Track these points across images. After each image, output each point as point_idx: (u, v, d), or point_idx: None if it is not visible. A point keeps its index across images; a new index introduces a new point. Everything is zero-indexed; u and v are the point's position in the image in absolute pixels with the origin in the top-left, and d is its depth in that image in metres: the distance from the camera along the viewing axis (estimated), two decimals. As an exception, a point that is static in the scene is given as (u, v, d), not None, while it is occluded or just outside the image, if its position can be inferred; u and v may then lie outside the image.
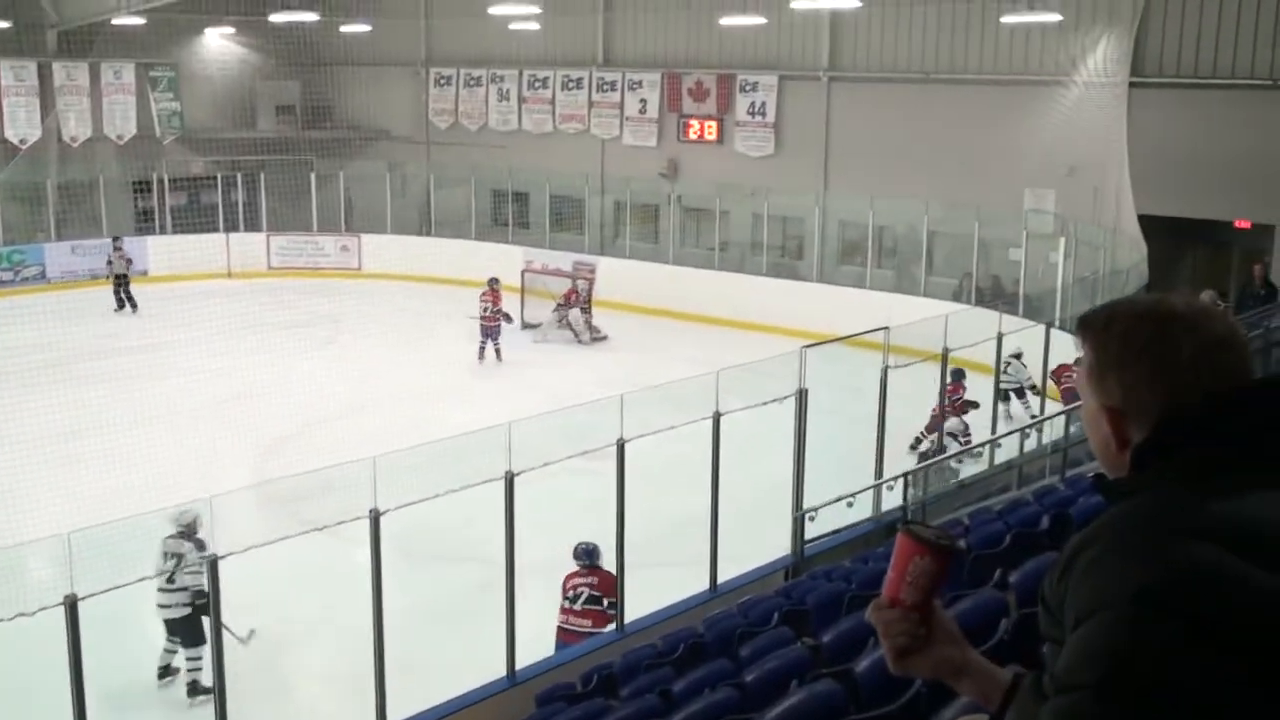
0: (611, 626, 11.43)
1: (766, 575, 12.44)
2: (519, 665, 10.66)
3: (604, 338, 25.86)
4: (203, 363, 20.92)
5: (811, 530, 12.83)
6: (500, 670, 10.62)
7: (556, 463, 10.78)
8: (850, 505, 13.52)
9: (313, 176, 32.82)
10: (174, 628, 11.66)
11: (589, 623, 11.60)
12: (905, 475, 13.74)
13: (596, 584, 11.68)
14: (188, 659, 11.70)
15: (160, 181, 31.94)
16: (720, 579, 12.19)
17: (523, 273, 27.55)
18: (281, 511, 11.38)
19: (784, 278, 27.78)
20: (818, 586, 9.89)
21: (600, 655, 10.60)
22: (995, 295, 24.20)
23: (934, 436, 16.83)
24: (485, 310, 23.83)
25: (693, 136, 30.10)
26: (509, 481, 10.34)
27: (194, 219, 31.42)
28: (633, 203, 30.67)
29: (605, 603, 11.55)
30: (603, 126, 31.66)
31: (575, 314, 25.92)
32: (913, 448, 17.49)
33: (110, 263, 28.36)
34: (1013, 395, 19.14)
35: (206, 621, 10.20)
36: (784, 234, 29.27)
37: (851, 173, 27.16)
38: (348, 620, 11.53)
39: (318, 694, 12.18)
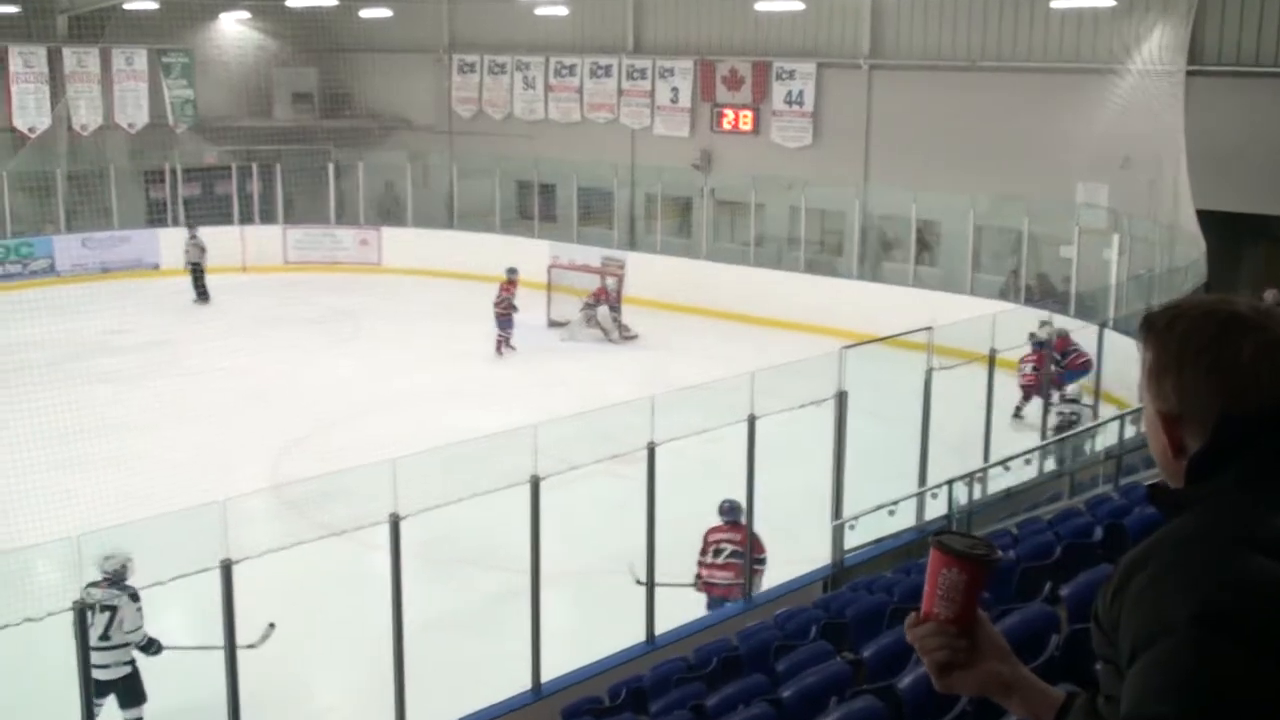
0: (743, 582, 12.31)
1: (804, 586, 12.42)
2: (544, 678, 10.68)
3: (634, 337, 25.86)
4: (216, 361, 21.04)
5: (851, 539, 12.80)
6: (525, 683, 10.64)
7: (584, 467, 10.80)
8: (892, 513, 13.48)
9: (331, 167, 32.97)
10: (109, 689, 10.42)
11: (731, 574, 12.38)
12: (949, 482, 13.69)
13: (740, 540, 12.41)
14: None
15: (173, 171, 32.14)
16: (755, 590, 12.16)
17: (549, 268, 27.58)
18: (298, 516, 11.44)
19: (822, 274, 27.70)
20: (858, 598, 9.88)
21: (630, 668, 10.61)
22: (1045, 294, 24.08)
23: (1062, 404, 17.38)
24: (502, 300, 24.15)
25: (727, 126, 30.06)
26: (534, 486, 10.36)
27: (208, 210, 31.60)
28: (664, 195, 30.65)
29: (755, 559, 12.36)
30: (633, 116, 31.66)
31: (604, 312, 25.93)
32: (1016, 416, 18.34)
33: (186, 251, 28.69)
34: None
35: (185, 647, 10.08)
36: (822, 229, 29.19)
37: (893, 164, 27.06)
38: (366, 629, 11.57)
39: (334, 705, 12.24)
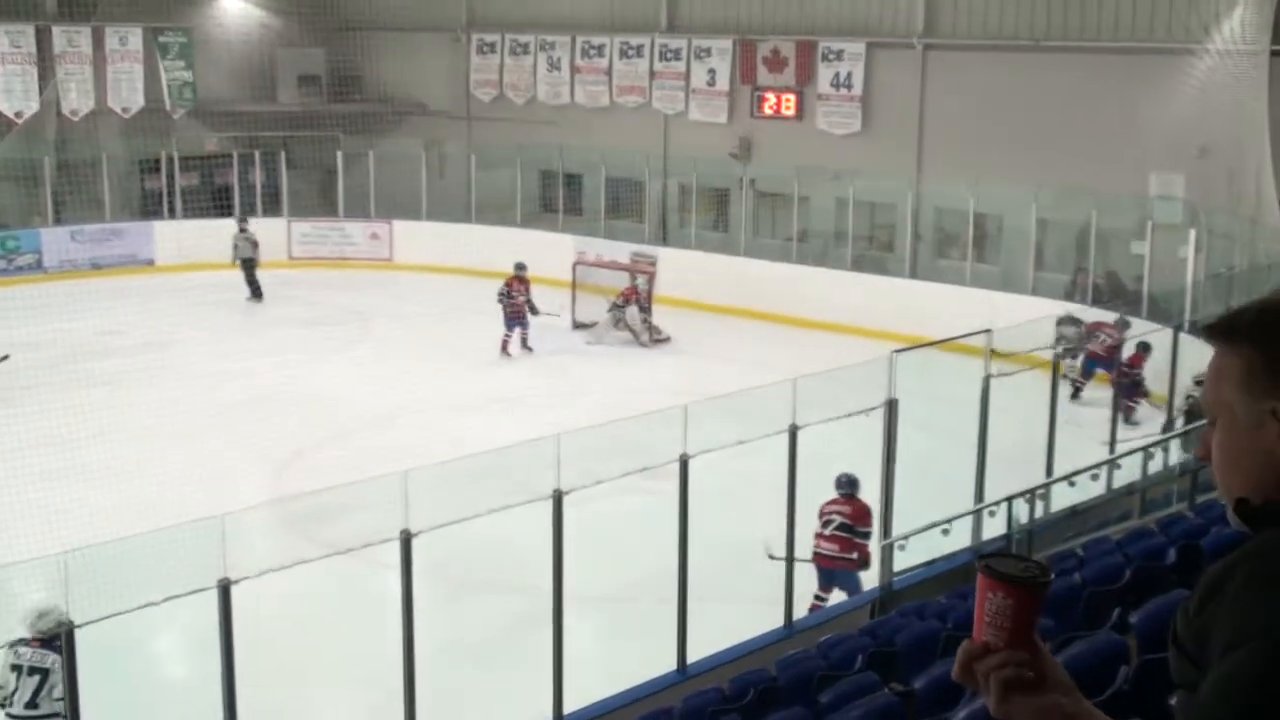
0: (854, 555, 13.18)
1: (849, 611, 12.40)
2: (567, 709, 10.67)
3: (666, 339, 25.86)
4: (215, 364, 21.16)
5: (901, 560, 12.77)
6: (546, 715, 10.64)
7: (611, 480, 10.79)
8: (946, 532, 13.43)
9: (339, 155, 33.11)
10: None
11: (836, 547, 13.18)
12: (1008, 499, 13.63)
13: (850, 513, 13.25)
14: None
15: (170, 160, 32.33)
16: (796, 615, 12.16)
17: (574, 265, 27.62)
18: (301, 532, 11.48)
19: (871, 272, 27.65)
20: (908, 625, 9.84)
21: (659, 699, 10.60)
22: (1114, 294, 23.96)
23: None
24: (514, 297, 24.56)
25: (768, 112, 30.04)
26: (557, 501, 10.36)
27: (207, 202, 31.79)
28: (699, 186, 30.64)
29: (858, 531, 13.18)
30: (666, 100, 31.67)
31: (633, 312, 25.94)
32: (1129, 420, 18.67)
33: (236, 246, 28.95)
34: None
35: None
36: (871, 223, 29.12)
37: (949, 153, 26.99)
38: (375, 655, 11.60)
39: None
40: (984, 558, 2.09)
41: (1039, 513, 14.01)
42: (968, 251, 26.76)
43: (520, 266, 24.95)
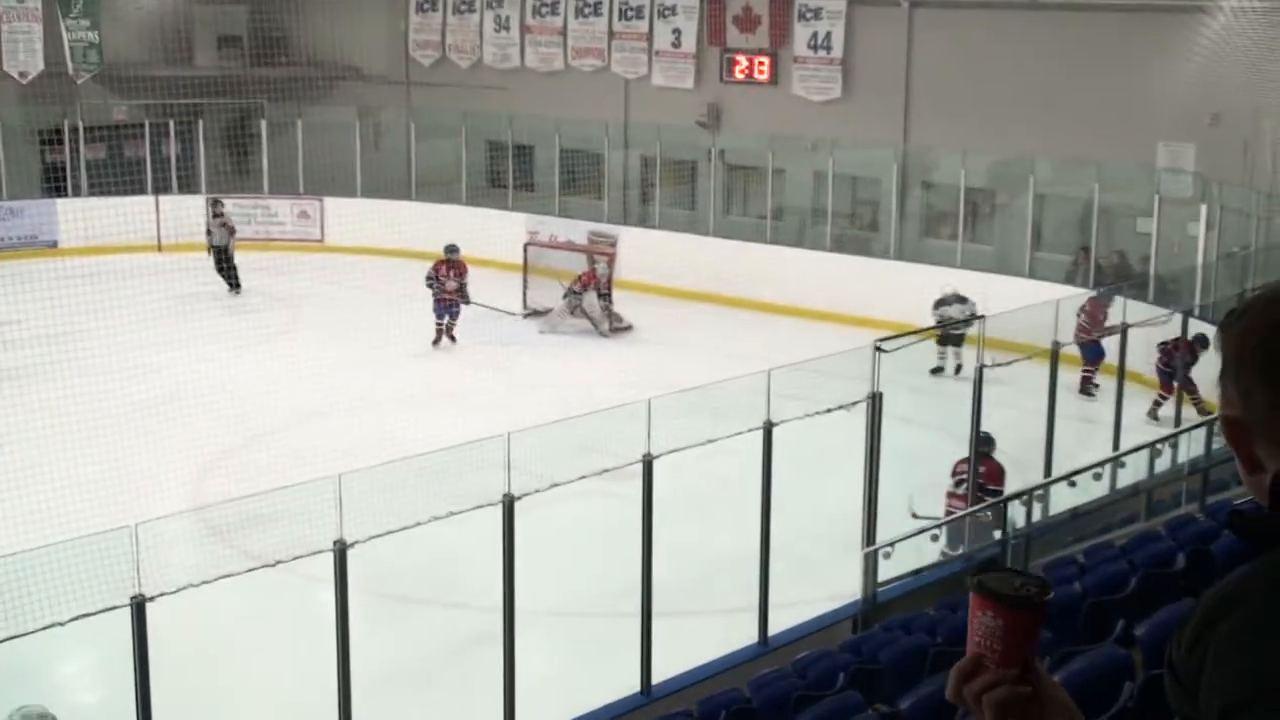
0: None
1: (829, 626, 12.45)
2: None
3: (627, 328, 25.87)
4: (126, 358, 21.02)
5: (886, 570, 12.83)
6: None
7: (567, 484, 10.81)
8: (935, 539, 13.52)
9: (263, 124, 32.94)
10: None
11: (963, 505, 14.09)
12: (1004, 501, 13.73)
13: (982, 472, 14.20)
14: None
15: (74, 130, 32.10)
16: (772, 630, 12.21)
17: (526, 246, 27.59)
18: (224, 543, 11.45)
19: (853, 254, 27.72)
20: (894, 640, 9.90)
21: (621, 724, 10.64)
22: (1119, 276, 24.10)
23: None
24: (442, 282, 24.89)
25: (739, 76, 30.08)
26: (508, 507, 10.38)
27: (116, 177, 31.54)
28: (663, 159, 30.66)
29: (988, 490, 14.16)
30: (626, 63, 31.67)
31: (591, 299, 25.95)
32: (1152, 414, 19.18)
33: (209, 232, 28.74)
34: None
35: None
36: (853, 199, 29.20)
37: (938, 122, 27.08)
38: (306, 678, 11.59)
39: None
40: (978, 572, 2.10)
41: (1037, 516, 14.10)
42: (959, 230, 26.85)
43: (451, 249, 25.10)
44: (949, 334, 20.85)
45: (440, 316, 24.81)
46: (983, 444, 14.54)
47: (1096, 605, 8.48)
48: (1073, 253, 25.85)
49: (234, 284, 28.60)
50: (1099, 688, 5.98)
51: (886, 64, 27.91)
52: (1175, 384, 18.64)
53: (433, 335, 24.70)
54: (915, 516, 13.74)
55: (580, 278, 26.02)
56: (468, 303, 25.12)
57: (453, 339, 24.89)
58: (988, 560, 13.26)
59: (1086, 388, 20.54)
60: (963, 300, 21.59)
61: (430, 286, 24.87)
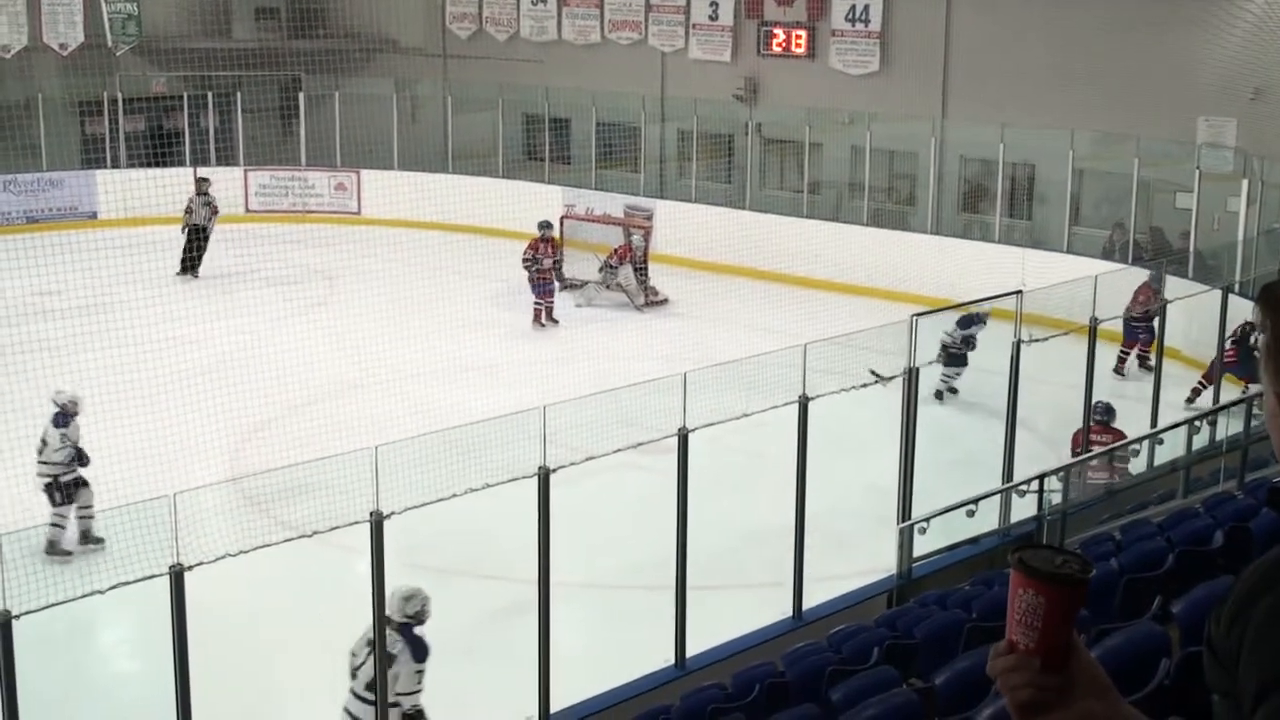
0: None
1: (864, 600, 12.45)
2: (554, 707, 10.73)
3: (663, 301, 25.86)
4: (164, 329, 21.13)
5: (921, 545, 12.82)
6: (531, 713, 10.70)
7: (602, 457, 10.82)
8: (971, 514, 13.48)
9: (301, 97, 32.99)
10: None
11: (1105, 475, 14.70)
12: (1040, 477, 13.68)
13: (1108, 441, 14.77)
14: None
15: (113, 102, 32.21)
16: (806, 604, 12.21)
17: (562, 219, 27.58)
18: (262, 514, 11.52)
19: (890, 228, 27.65)
20: (929, 615, 9.89)
21: (655, 697, 10.66)
22: (1158, 251, 23.98)
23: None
24: (540, 261, 24.47)
25: (776, 49, 29.97)
26: (543, 480, 10.39)
27: (154, 149, 31.66)
28: (700, 133, 30.58)
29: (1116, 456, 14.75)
30: (664, 37, 31.59)
31: (627, 272, 25.94)
32: (1189, 401, 18.86)
33: (189, 210, 28.29)
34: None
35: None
36: (890, 173, 29.10)
37: (977, 96, 26.94)
38: (342, 648, 11.64)
39: (304, 740, 12.34)
40: (1018, 549, 2.09)
41: (1074, 493, 14.06)
42: (997, 205, 26.75)
43: (545, 225, 24.85)
44: (959, 354, 19.49)
45: (540, 295, 24.54)
46: (1104, 414, 15.35)
47: (1133, 582, 8.45)
48: (1110, 228, 25.72)
49: (193, 267, 27.72)
50: (1135, 665, 5.96)
51: (925, 37, 27.77)
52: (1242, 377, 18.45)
53: (533, 314, 24.44)
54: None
55: (616, 251, 25.99)
56: (562, 281, 24.97)
57: (554, 320, 24.57)
58: (1025, 536, 13.24)
59: (1120, 368, 20.54)
60: (983, 323, 19.79)
61: (528, 266, 24.59)
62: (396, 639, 10.56)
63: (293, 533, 9.94)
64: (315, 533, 9.83)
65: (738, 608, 12.79)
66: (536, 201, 28.37)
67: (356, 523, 9.69)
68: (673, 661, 11.42)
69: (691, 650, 11.45)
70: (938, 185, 27.55)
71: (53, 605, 8.64)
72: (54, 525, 14.33)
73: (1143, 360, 20.61)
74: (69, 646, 12.23)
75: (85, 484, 14.93)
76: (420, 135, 33.49)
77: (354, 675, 10.61)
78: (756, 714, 8.52)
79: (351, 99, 33.21)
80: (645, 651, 11.65)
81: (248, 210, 31.96)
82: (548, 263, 24.65)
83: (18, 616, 8.47)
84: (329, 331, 22.79)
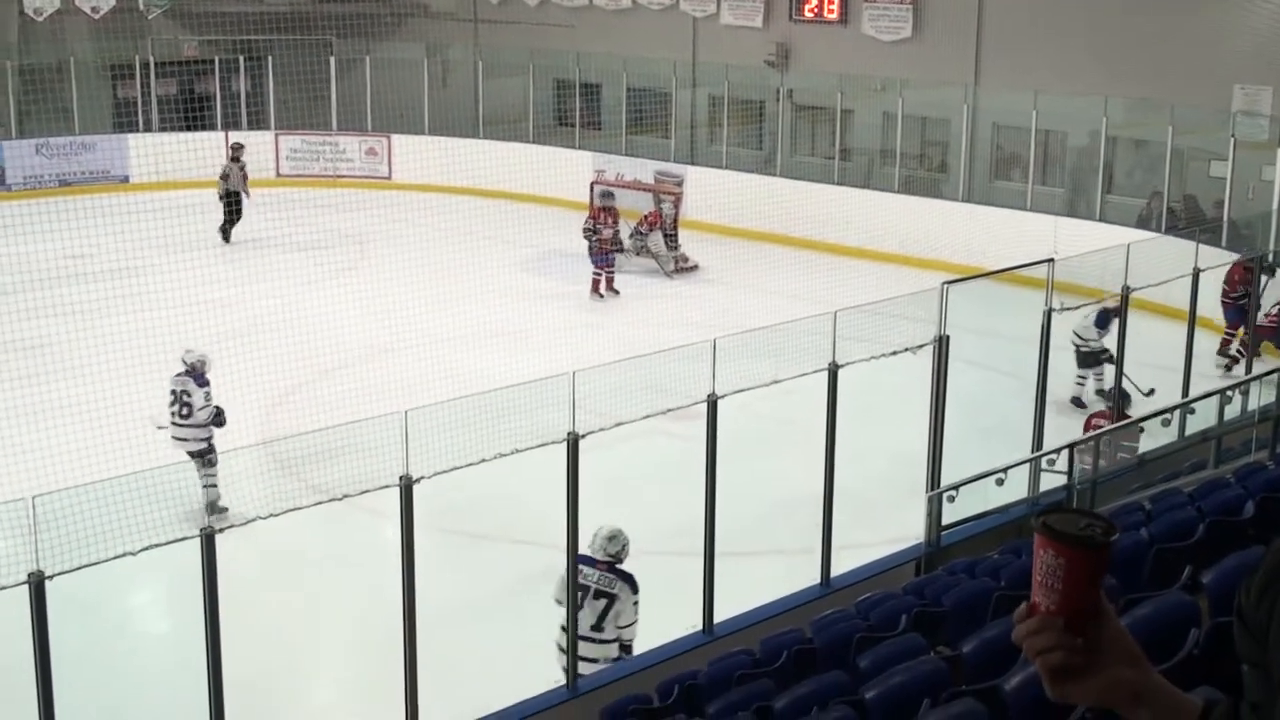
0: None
1: (892, 568, 12.45)
2: (582, 672, 10.77)
3: (693, 268, 25.85)
4: (195, 293, 21.21)
5: (950, 513, 12.80)
6: (559, 677, 10.74)
7: (632, 423, 10.83)
8: (1000, 483, 13.45)
9: (332, 61, 33.00)
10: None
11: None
12: (1070, 446, 13.64)
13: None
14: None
15: (145, 66, 32.28)
16: (834, 571, 12.21)
17: (592, 185, 27.57)
18: (292, 477, 11.56)
19: (921, 195, 27.57)
20: (957, 584, 9.89)
21: (683, 662, 10.69)
22: (1192, 220, 23.85)
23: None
24: (599, 231, 24.34)
25: (809, 15, 29.86)
26: (572, 445, 10.41)
27: (186, 113, 31.75)
28: (731, 98, 30.51)
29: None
30: (695, 2, 31.49)
31: (657, 239, 25.92)
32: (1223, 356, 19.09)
33: (225, 176, 28.39)
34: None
35: None
36: (923, 140, 28.99)
37: (1010, 63, 26.81)
38: (372, 612, 11.72)
39: (335, 702, 12.41)
40: (1044, 512, 2.09)
41: (1103, 461, 14.01)
42: (1029, 172, 26.63)
43: (606, 195, 24.77)
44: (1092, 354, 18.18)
45: (599, 265, 24.40)
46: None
47: (1163, 552, 8.42)
48: (1144, 197, 25.60)
49: (226, 233, 27.89)
50: (1165, 634, 5.95)
51: (958, 3, 27.65)
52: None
53: (591, 284, 24.31)
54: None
55: (646, 218, 25.96)
56: (621, 251, 24.86)
57: (614, 290, 24.42)
58: (1055, 505, 13.22)
59: (1225, 350, 20.23)
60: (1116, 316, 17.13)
61: (588, 236, 24.48)
62: (613, 579, 11.14)
63: (323, 496, 9.98)
64: (345, 496, 9.87)
65: (766, 574, 12.80)
66: (567, 167, 28.41)
67: (386, 486, 9.72)
68: (701, 627, 11.45)
69: (720, 616, 11.47)
70: (970, 152, 27.45)
71: (85, 566, 8.69)
72: (211, 487, 13.94)
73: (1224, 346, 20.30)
74: (100, 608, 12.32)
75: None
76: (451, 100, 33.50)
77: (581, 621, 10.93)
78: (784, 680, 8.54)
79: (382, 64, 33.25)
80: (674, 617, 11.68)
81: (279, 175, 32.06)
82: (607, 232, 24.47)
83: (50, 577, 8.53)
84: (359, 296, 22.86)
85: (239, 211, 28.11)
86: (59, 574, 8.57)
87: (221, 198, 28.23)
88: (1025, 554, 10.55)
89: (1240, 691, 2.00)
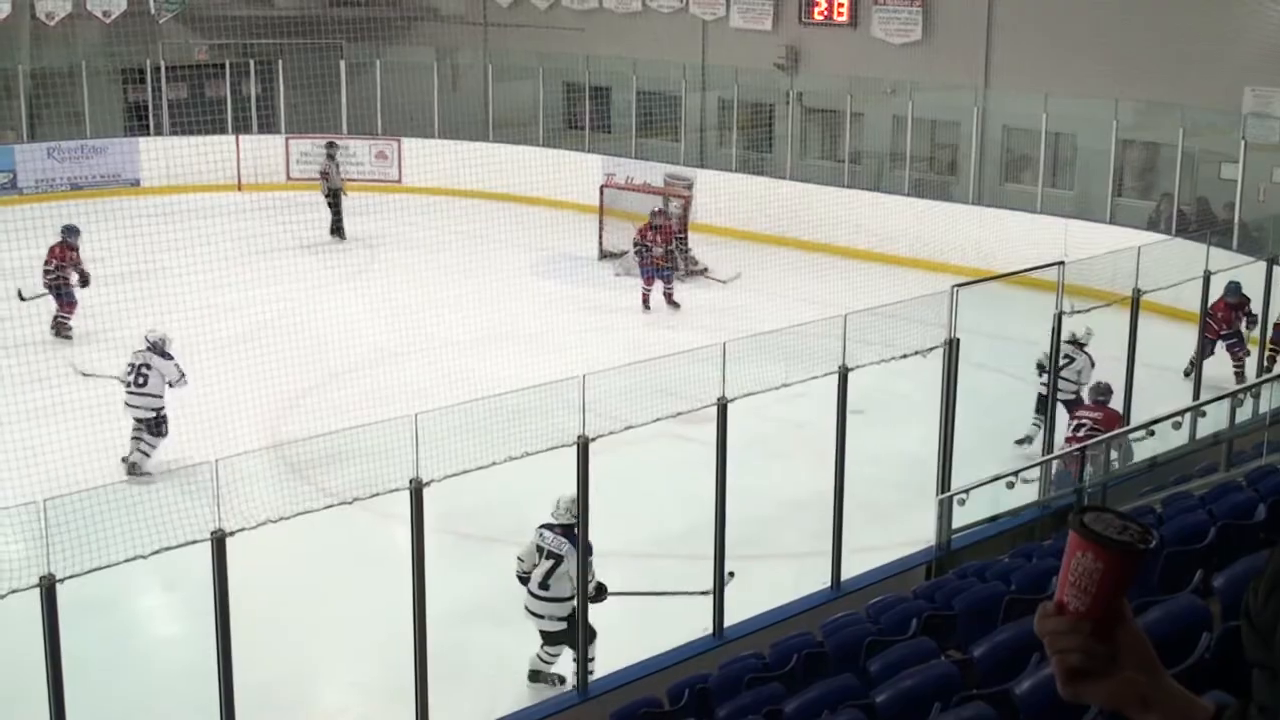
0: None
1: (903, 572, 12.44)
2: (593, 676, 10.77)
3: (702, 271, 25.82)
4: (206, 296, 21.25)
5: (961, 516, 12.79)
6: (569, 681, 10.74)
7: (642, 426, 10.83)
8: (1011, 486, 13.45)
9: (342, 65, 33.03)
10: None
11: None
12: (1082, 449, 13.63)
13: (1100, 419, 14.49)
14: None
15: (156, 70, 32.33)
16: (845, 575, 12.21)
17: (602, 188, 27.58)
18: (302, 480, 11.57)
19: (931, 198, 27.52)
20: (967, 587, 9.88)
21: (693, 666, 10.69)
22: (1202, 223, 23.81)
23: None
24: (650, 249, 23.81)
25: (818, 18, 29.84)
26: (582, 449, 10.41)
27: (197, 116, 31.77)
28: (741, 102, 30.50)
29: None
30: (704, 5, 31.49)
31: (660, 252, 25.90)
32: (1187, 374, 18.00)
33: (324, 174, 28.65)
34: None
35: None
36: (933, 143, 28.96)
37: (1020, 65, 26.78)
38: (383, 616, 11.72)
39: (346, 705, 12.41)
40: (1081, 510, 2.08)
41: (1114, 464, 14.00)
42: (1039, 175, 26.60)
43: (656, 213, 24.37)
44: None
45: (651, 279, 23.72)
46: (1104, 393, 14.89)
47: (1175, 555, 8.41)
48: (1155, 199, 25.57)
49: (339, 229, 28.37)
50: (1176, 638, 5.94)
51: (967, 6, 27.62)
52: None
53: (641, 297, 23.70)
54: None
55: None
56: (676, 269, 24.21)
57: (675, 304, 23.63)
58: (1066, 509, 13.19)
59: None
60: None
61: (639, 254, 23.97)
62: (563, 541, 11.55)
63: (333, 499, 9.99)
64: (356, 499, 9.88)
65: (776, 577, 12.80)
66: (576, 170, 28.41)
67: (396, 490, 9.73)
68: (711, 631, 11.45)
69: (730, 620, 11.47)
70: (980, 155, 27.43)
71: (96, 570, 8.70)
72: (142, 452, 16.22)
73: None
74: (111, 611, 12.33)
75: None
76: (461, 103, 33.50)
77: (532, 579, 11.74)
78: (794, 684, 8.54)
79: (392, 67, 33.28)
80: (684, 620, 11.69)
81: (288, 178, 32.07)
82: (658, 250, 23.80)
83: (61, 580, 8.54)
84: (369, 299, 22.87)
85: (339, 210, 28.35)
86: (70, 577, 8.58)
87: (326, 196, 28.52)
88: (1036, 557, 10.55)
89: (1249, 694, 2.00)
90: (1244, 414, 15.13)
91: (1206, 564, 7.81)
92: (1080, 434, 14.45)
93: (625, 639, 11.68)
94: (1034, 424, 16.65)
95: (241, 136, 32.08)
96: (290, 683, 12.22)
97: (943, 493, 12.77)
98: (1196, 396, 16.19)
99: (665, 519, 14.50)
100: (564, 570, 11.50)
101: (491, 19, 34.99)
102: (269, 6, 34.38)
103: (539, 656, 11.90)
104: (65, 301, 21.15)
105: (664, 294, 23.80)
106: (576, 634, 11.24)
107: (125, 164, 31.19)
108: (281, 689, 11.89)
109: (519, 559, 11.84)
